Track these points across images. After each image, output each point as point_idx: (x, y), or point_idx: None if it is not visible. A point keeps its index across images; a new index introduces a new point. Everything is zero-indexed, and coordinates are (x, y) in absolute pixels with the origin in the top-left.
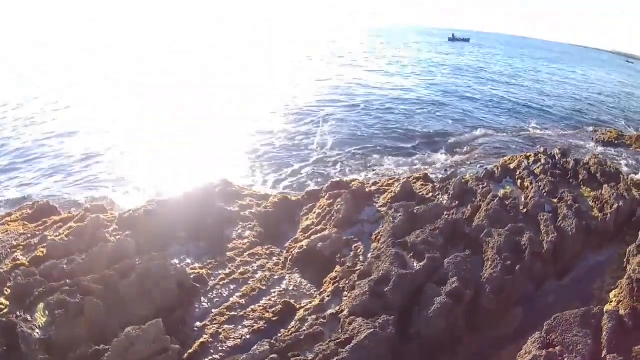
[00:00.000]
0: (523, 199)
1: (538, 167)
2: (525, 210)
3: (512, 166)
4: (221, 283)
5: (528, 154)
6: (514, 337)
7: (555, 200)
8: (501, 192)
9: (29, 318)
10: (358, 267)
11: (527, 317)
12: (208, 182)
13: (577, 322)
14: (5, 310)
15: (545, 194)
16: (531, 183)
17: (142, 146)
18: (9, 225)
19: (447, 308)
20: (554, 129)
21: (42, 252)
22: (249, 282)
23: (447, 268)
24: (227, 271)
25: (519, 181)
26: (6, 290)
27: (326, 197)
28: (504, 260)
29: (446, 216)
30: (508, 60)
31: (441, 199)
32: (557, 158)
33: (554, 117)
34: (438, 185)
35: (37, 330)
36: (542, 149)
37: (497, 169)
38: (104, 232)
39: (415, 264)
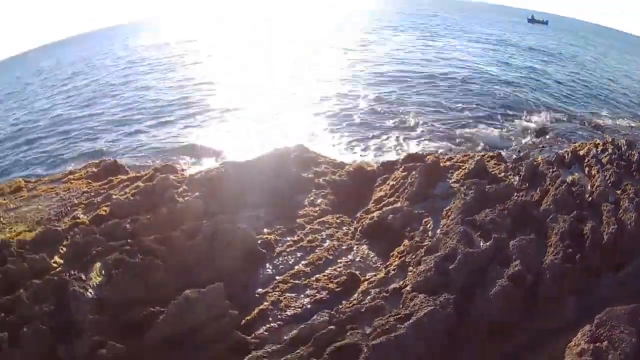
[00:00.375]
0: (589, 187)
1: (605, 157)
2: (590, 198)
3: (581, 153)
4: (288, 250)
5: (597, 142)
6: (567, 328)
7: (619, 192)
8: (569, 178)
9: (83, 277)
10: (426, 243)
11: (581, 308)
12: (284, 146)
13: (625, 319)
14: (58, 269)
15: (610, 185)
16: (598, 172)
17: (218, 108)
18: (71, 183)
19: (508, 291)
20: (622, 119)
21: (105, 210)
22: (316, 251)
23: (511, 250)
24: (296, 238)
25: (587, 169)
26: (61, 249)
27: (401, 169)
28: (565, 248)
29: (516, 197)
30: (582, 47)
31: (512, 180)
32: (623, 149)
33: (622, 107)
34: (510, 166)
35: (90, 290)
36: (609, 139)
37: (567, 154)
38: (173, 193)
39: (481, 244)
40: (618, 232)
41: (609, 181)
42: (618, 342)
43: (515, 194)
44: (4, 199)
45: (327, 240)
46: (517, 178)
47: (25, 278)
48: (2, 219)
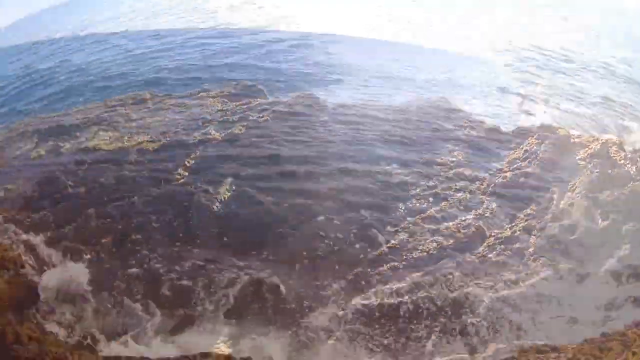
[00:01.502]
0: None
1: None
2: None
3: None
4: (422, 194)
5: None
6: None
7: None
8: None
9: (210, 190)
10: (551, 210)
11: None
12: (426, 97)
13: None
14: (181, 180)
15: None
16: None
17: None
18: (205, 100)
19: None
20: None
21: (240, 130)
22: (449, 199)
23: (624, 234)
24: (430, 184)
25: None
26: (187, 162)
27: (535, 137)
28: None
29: (631, 185)
30: None
31: (629, 169)
32: None
33: None
34: (629, 155)
35: (217, 204)
36: None
37: None
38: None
39: (599, 221)
40: None
41: None
42: None
43: (631, 182)
44: (125, 109)
45: (460, 192)
46: (634, 168)
47: (142, 186)
48: (121, 128)
